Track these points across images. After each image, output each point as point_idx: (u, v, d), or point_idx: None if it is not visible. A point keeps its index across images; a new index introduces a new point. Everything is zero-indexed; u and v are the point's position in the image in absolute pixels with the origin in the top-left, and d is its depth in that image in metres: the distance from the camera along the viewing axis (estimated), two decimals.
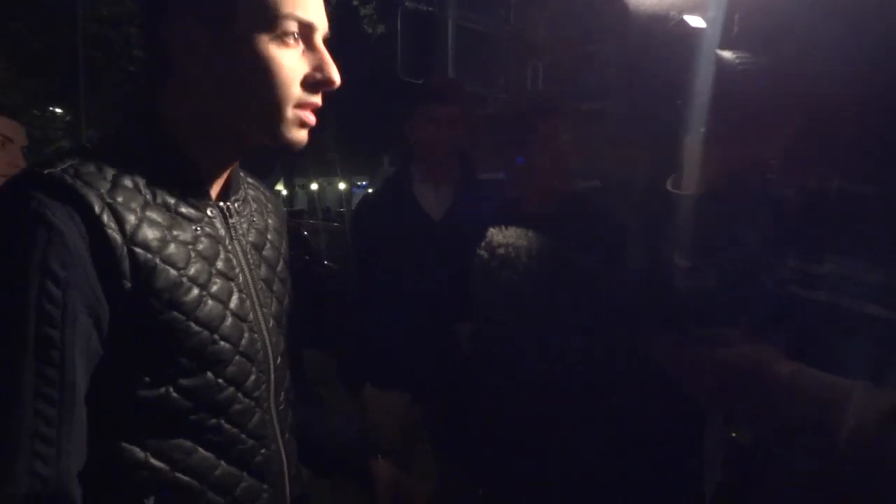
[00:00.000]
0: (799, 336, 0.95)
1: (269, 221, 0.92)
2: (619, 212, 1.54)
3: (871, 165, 0.96)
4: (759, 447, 1.02)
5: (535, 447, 1.15)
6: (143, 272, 0.70)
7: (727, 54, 0.92)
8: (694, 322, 1.08)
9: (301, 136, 0.80)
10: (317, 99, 0.79)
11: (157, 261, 0.71)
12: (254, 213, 0.89)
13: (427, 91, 2.05)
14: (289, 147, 0.79)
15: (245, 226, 0.85)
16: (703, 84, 0.92)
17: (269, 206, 0.95)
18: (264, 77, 0.74)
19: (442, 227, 1.95)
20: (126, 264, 0.69)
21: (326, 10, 0.82)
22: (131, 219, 0.70)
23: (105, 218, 0.68)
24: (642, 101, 1.19)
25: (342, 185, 23.54)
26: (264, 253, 0.87)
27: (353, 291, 2.14)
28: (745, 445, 1.06)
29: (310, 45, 0.78)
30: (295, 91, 0.77)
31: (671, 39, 0.93)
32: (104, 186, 0.70)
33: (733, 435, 1.13)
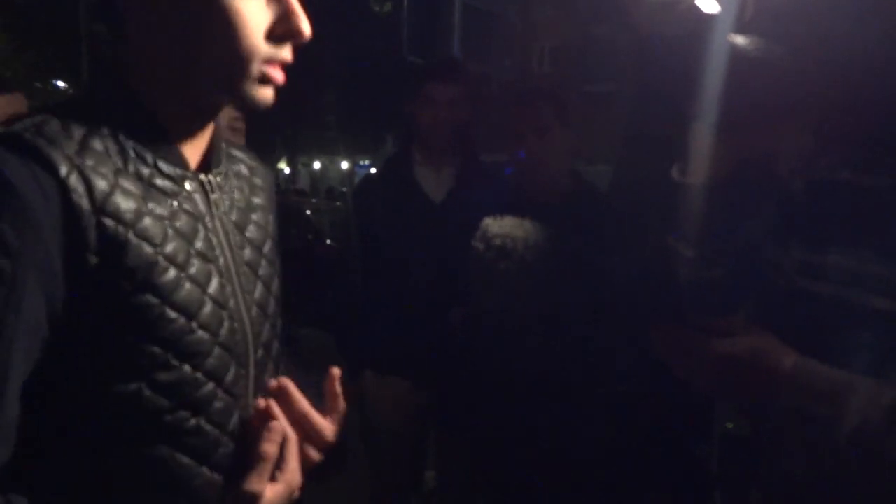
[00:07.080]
0: (803, 328, 0.94)
1: (255, 199, 0.84)
2: (622, 200, 1.52)
3: (880, 157, 0.95)
4: (758, 439, 1.02)
5: (537, 436, 1.15)
6: (113, 247, 0.62)
7: (740, 40, 0.90)
8: (697, 312, 1.07)
9: (267, 94, 0.71)
10: (286, 53, 0.71)
11: (130, 235, 0.63)
12: (235, 189, 0.80)
13: (429, 71, 2.02)
14: (253, 107, 0.71)
15: (227, 203, 0.77)
16: (714, 71, 0.90)
17: (257, 179, 0.86)
18: (222, 28, 0.66)
19: (442, 209, 1.93)
20: (92, 236, 0.61)
21: None
22: (101, 185, 0.62)
23: (72, 181, 0.60)
24: (650, 87, 1.17)
25: (345, 164, 23.46)
26: (248, 233, 0.79)
27: (355, 273, 2.13)
28: (743, 437, 1.06)
29: None
30: (259, 44, 0.68)
31: (682, 24, 0.91)
32: (71, 147, 0.62)
33: (728, 426, 1.13)
